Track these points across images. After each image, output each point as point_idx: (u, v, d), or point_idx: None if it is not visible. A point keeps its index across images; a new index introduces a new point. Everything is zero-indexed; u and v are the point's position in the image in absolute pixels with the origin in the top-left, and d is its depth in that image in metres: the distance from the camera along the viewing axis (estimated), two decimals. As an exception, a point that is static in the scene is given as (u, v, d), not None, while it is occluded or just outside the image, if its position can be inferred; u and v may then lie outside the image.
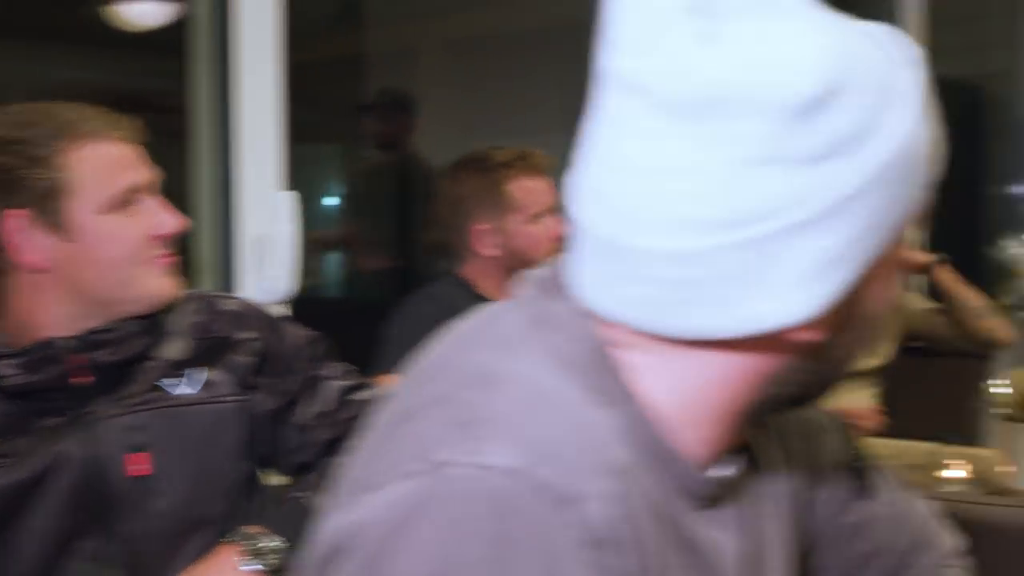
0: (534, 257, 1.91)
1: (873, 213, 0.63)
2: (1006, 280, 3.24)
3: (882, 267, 0.67)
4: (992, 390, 1.88)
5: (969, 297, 2.71)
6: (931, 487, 1.81)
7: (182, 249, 1.37)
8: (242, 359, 1.35)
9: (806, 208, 0.62)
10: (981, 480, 1.83)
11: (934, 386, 2.69)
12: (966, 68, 4.75)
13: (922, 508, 0.93)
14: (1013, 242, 3.22)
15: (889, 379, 2.80)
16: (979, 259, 3.63)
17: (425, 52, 5.25)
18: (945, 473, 1.82)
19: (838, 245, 0.63)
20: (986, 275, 3.44)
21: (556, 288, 0.71)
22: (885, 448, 2.23)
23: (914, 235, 3.71)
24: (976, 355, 2.65)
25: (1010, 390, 1.86)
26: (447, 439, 0.62)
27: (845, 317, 0.67)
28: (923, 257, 2.79)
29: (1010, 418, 1.84)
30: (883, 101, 0.63)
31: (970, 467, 1.86)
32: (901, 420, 2.71)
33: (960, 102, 4.66)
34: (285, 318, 1.49)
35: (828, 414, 0.89)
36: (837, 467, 0.87)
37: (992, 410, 1.87)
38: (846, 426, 0.91)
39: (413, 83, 4.84)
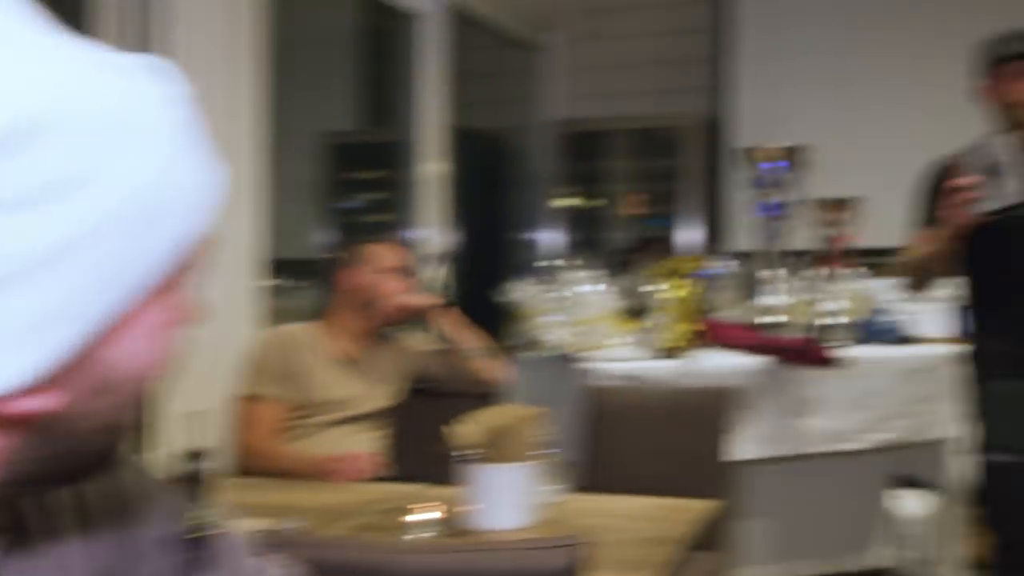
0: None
1: (104, 265, 0.56)
2: (510, 323, 3.43)
3: (134, 323, 0.60)
4: (457, 430, 1.93)
5: (464, 339, 2.83)
6: (401, 531, 1.81)
7: None
8: None
9: (5, 261, 0.53)
10: (448, 522, 1.86)
11: (438, 427, 2.75)
12: (488, 121, 5.05)
13: (276, 572, 0.88)
14: (517, 286, 3.42)
15: (397, 420, 2.86)
16: (493, 302, 3.83)
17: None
18: (411, 516, 1.83)
19: (54, 302, 0.55)
20: (502, 317, 3.63)
21: None
22: (369, 492, 2.24)
23: (438, 277, 3.86)
24: (477, 395, 2.76)
25: (473, 430, 1.91)
26: None
27: (89, 381, 0.59)
28: (423, 301, 2.88)
29: (473, 457, 1.89)
30: (113, 142, 0.56)
31: (444, 508, 1.89)
32: (405, 462, 2.76)
33: (483, 152, 4.95)
34: None
35: (155, 481, 0.82)
36: (165, 540, 0.80)
37: (456, 450, 1.92)
38: (180, 492, 0.84)
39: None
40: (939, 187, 2.90)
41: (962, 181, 2.68)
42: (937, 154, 4.84)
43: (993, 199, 2.72)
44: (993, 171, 2.73)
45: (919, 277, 3.02)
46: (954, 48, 4.88)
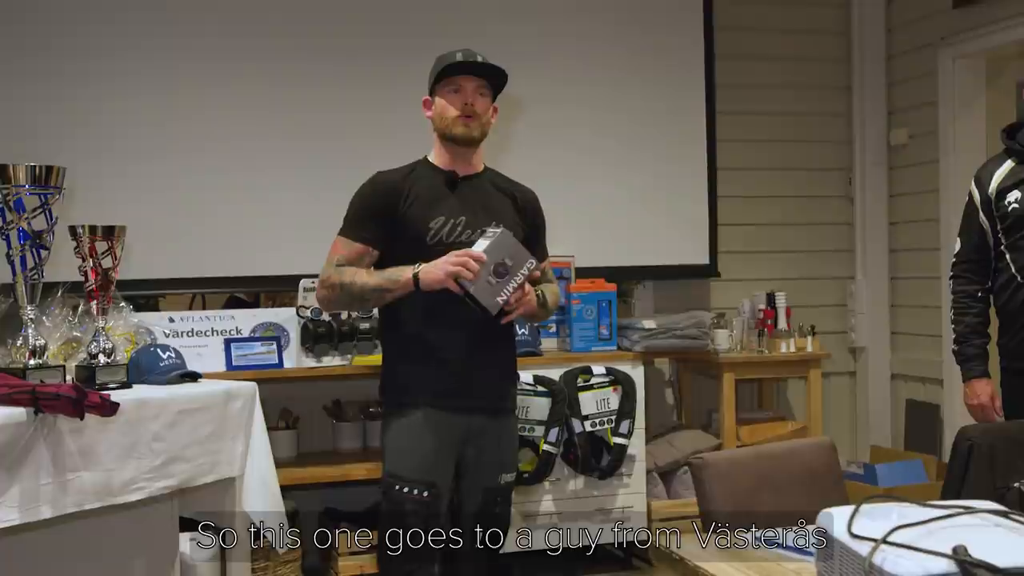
0: None
1: None
2: None
3: None
4: None
5: None
6: None
7: None
8: None
9: None
10: None
11: None
12: None
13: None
14: None
15: None
16: None
17: None
18: None
19: None
20: None
21: None
22: None
23: None
24: None
25: None
26: None
27: None
28: None
29: None
30: None
31: None
32: None
33: None
34: None
35: None
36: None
37: None
38: None
39: None
40: (383, 203, 2.98)
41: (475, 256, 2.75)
42: (212, 179, 4.75)
43: (479, 289, 2.75)
44: (501, 270, 2.77)
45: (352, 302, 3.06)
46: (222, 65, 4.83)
